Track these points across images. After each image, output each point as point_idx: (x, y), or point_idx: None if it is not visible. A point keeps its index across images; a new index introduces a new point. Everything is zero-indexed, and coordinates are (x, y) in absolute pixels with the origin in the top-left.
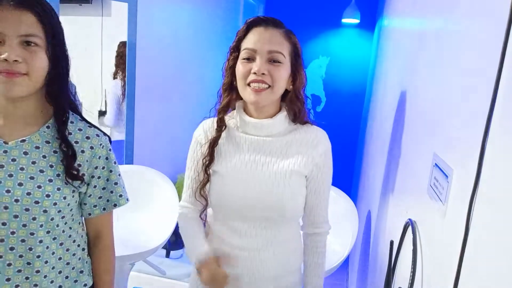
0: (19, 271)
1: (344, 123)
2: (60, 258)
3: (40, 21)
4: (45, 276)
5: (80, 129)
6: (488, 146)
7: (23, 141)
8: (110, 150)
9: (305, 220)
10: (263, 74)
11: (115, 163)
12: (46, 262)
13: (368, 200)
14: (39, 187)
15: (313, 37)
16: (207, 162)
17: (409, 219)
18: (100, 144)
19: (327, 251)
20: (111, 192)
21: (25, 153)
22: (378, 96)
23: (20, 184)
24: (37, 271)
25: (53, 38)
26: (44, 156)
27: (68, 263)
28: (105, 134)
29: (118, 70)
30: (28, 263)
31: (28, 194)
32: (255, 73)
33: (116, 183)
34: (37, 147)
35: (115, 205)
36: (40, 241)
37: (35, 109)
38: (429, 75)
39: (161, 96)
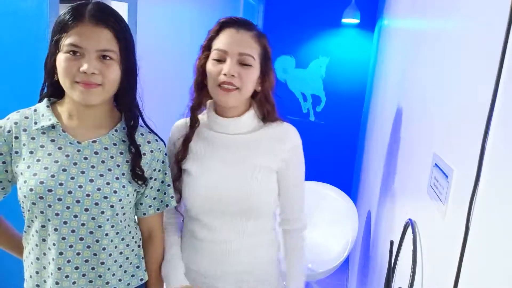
0: (86, 261)
1: (344, 123)
2: (121, 253)
3: (116, 37)
4: (108, 269)
5: (142, 134)
6: (488, 146)
7: (94, 141)
8: (166, 154)
9: (281, 217)
10: (232, 76)
11: (169, 166)
12: (110, 255)
13: (368, 200)
14: (108, 183)
15: (313, 37)
16: (179, 157)
17: (409, 219)
18: (159, 149)
19: (327, 251)
20: (165, 193)
21: (96, 153)
22: (378, 96)
23: (91, 181)
24: (102, 263)
25: (126, 52)
26: (111, 157)
27: (127, 258)
28: (161, 139)
29: None
30: (95, 254)
31: (98, 189)
32: (225, 74)
33: (169, 185)
34: (106, 148)
35: (167, 206)
36: (106, 234)
37: (105, 114)
38: (429, 75)
39: (161, 96)
